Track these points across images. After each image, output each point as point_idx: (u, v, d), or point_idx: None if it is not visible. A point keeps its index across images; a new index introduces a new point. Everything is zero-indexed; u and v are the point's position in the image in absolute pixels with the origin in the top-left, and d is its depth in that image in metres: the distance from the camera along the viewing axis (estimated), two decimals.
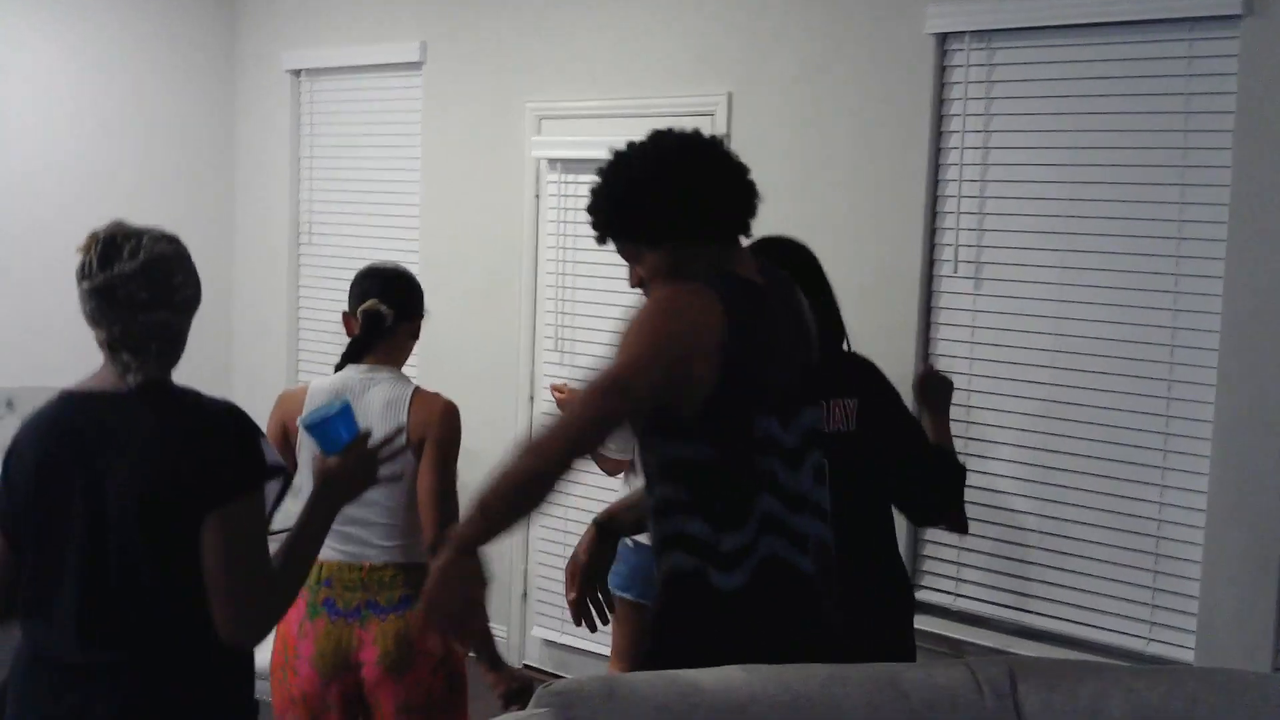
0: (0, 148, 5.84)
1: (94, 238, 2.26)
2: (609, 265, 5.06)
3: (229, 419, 2.29)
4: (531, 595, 5.45)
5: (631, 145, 2.56)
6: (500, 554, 5.48)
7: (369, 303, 3.28)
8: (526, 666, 5.48)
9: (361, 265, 3.45)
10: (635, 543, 3.61)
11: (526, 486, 2.32)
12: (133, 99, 6.22)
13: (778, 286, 2.54)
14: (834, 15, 4.49)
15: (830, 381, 2.91)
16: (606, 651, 4.92)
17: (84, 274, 2.24)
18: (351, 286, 3.33)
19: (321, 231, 6.23)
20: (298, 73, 6.25)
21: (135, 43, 6.21)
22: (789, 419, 2.45)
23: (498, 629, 5.50)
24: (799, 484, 2.45)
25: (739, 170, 2.52)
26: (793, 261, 3.00)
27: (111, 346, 2.26)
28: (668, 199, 2.47)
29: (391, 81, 5.88)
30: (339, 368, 3.31)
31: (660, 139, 2.54)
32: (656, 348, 2.35)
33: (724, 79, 4.75)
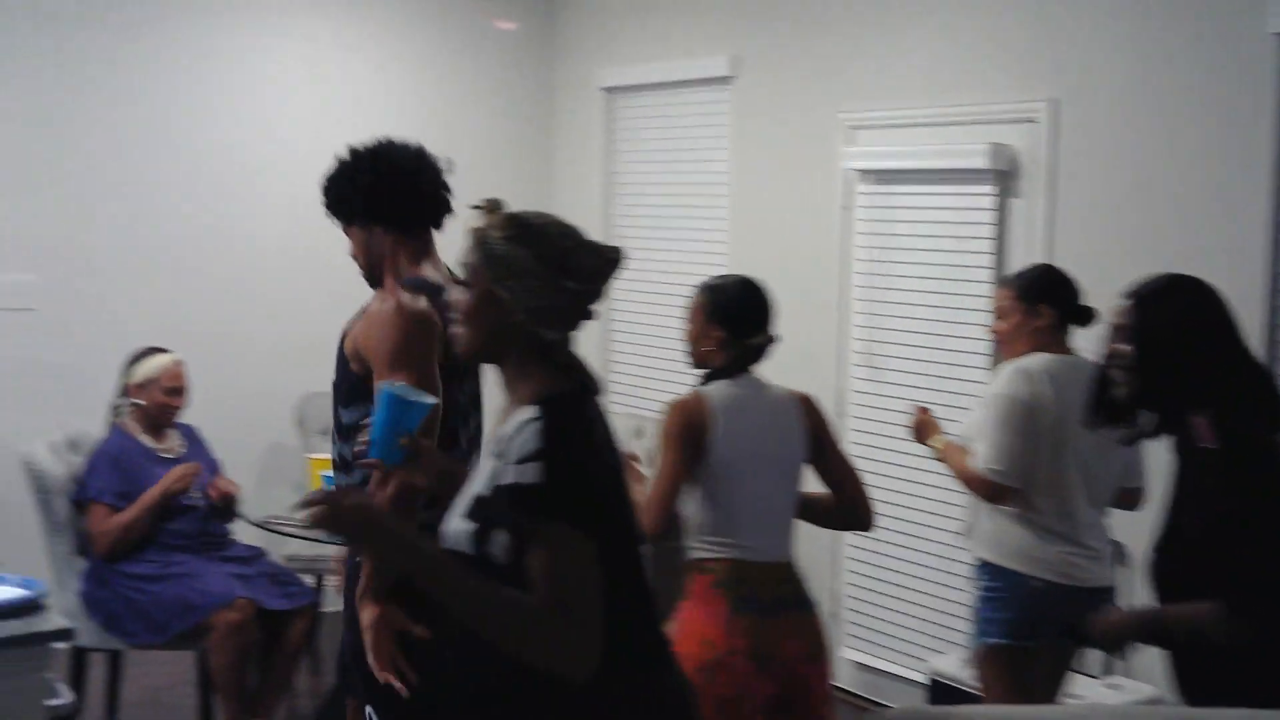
0: (321, 159, 6.09)
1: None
2: (924, 279, 4.94)
3: None
4: (842, 616, 5.35)
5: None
6: (808, 572, 5.40)
7: (768, 336, 3.40)
8: (835, 689, 5.38)
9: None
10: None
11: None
12: (454, 116, 6.45)
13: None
14: (1168, 15, 4.23)
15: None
16: (919, 677, 4.78)
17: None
18: (733, 302, 3.38)
19: (632, 245, 6.29)
20: (611, 90, 6.35)
21: (458, 63, 6.45)
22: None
23: None
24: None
25: (419, 171, 3.22)
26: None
27: None
28: (363, 185, 3.16)
29: (700, 96, 5.90)
30: (711, 379, 3.34)
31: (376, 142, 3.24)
32: None
33: (1047, 84, 4.54)
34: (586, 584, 2.05)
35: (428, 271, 3.12)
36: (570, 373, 2.19)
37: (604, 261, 2.21)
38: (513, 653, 2.04)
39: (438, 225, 3.23)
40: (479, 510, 2.12)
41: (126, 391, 4.61)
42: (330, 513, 2.03)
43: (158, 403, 4.59)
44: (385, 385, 2.46)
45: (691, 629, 3.14)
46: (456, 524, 2.15)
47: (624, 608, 2.12)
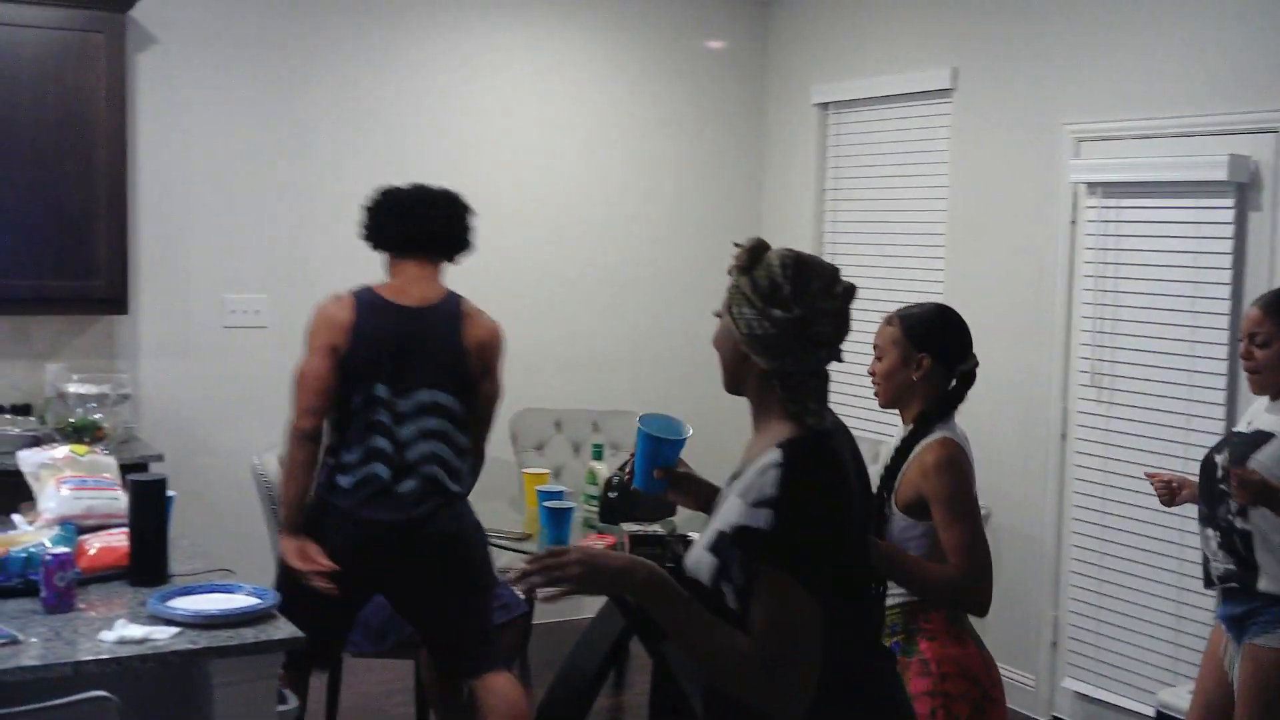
0: (543, 174, 6.23)
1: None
2: (1156, 296, 4.74)
3: None
4: (1062, 644, 5.16)
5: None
6: (1028, 599, 5.25)
7: (976, 360, 3.11)
8: (1055, 719, 5.20)
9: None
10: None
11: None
12: (668, 129, 6.48)
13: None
14: None
15: None
16: (1146, 709, 4.58)
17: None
18: (950, 333, 3.11)
19: (845, 262, 6.18)
20: (825, 105, 6.28)
21: (672, 81, 6.47)
22: (402, 391, 3.71)
23: (1024, 677, 5.25)
24: (402, 434, 3.72)
25: (410, 205, 3.86)
26: None
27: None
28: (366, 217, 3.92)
29: (919, 110, 5.78)
30: (927, 424, 3.06)
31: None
32: None
33: None
34: (800, 636, 2.06)
35: (392, 289, 3.81)
36: (808, 415, 2.18)
37: (831, 294, 2.18)
38: (726, 689, 2.10)
39: (430, 254, 3.88)
40: (720, 545, 2.12)
41: None
42: (555, 569, 2.08)
43: None
44: (640, 423, 2.49)
45: (953, 667, 3.03)
46: (699, 554, 2.17)
47: (844, 659, 2.14)
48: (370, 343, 3.74)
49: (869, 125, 6.09)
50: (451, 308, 3.86)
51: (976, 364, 3.10)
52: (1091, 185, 4.95)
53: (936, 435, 3.02)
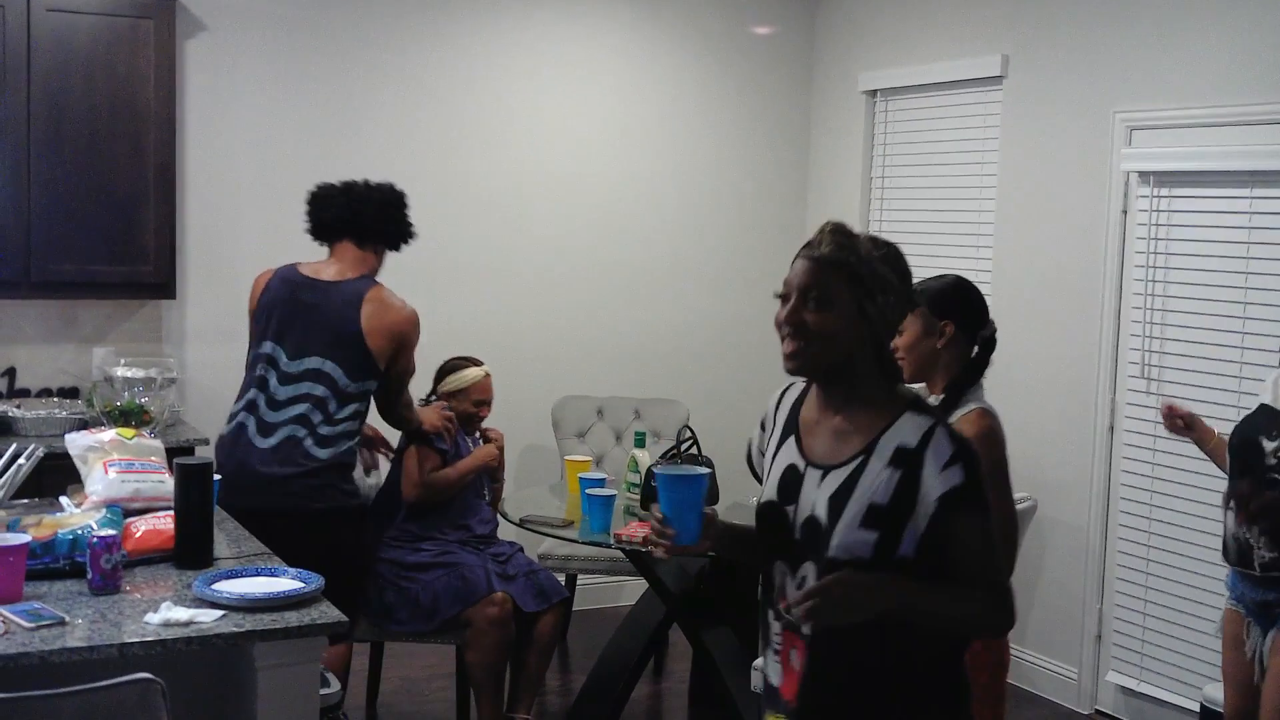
0: (586, 161, 6.22)
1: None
2: (1211, 287, 4.68)
3: None
4: (1107, 637, 5.11)
5: None
6: (1072, 591, 5.21)
7: (994, 325, 3.13)
8: (1099, 713, 5.15)
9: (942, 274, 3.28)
10: None
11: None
12: (715, 116, 6.45)
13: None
14: None
15: None
16: (1190, 704, 4.53)
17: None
18: (970, 301, 3.14)
19: None
20: (873, 93, 6.23)
21: (719, 67, 6.44)
22: (292, 354, 4.01)
23: (1067, 670, 5.21)
24: (279, 394, 4.00)
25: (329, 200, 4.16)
26: None
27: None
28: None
29: (969, 97, 5.73)
30: (958, 392, 3.07)
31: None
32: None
33: None
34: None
35: (313, 267, 4.13)
36: (899, 381, 2.33)
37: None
38: (964, 633, 2.32)
39: (360, 241, 4.14)
40: (880, 519, 2.19)
41: (438, 396, 4.76)
42: (823, 602, 2.12)
43: (466, 412, 4.74)
44: (659, 472, 2.37)
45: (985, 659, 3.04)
46: (856, 534, 2.19)
47: None
48: (265, 305, 4.09)
49: (918, 113, 6.04)
50: (360, 289, 4.04)
51: (995, 329, 3.12)
52: (1143, 174, 4.89)
53: (972, 407, 3.03)
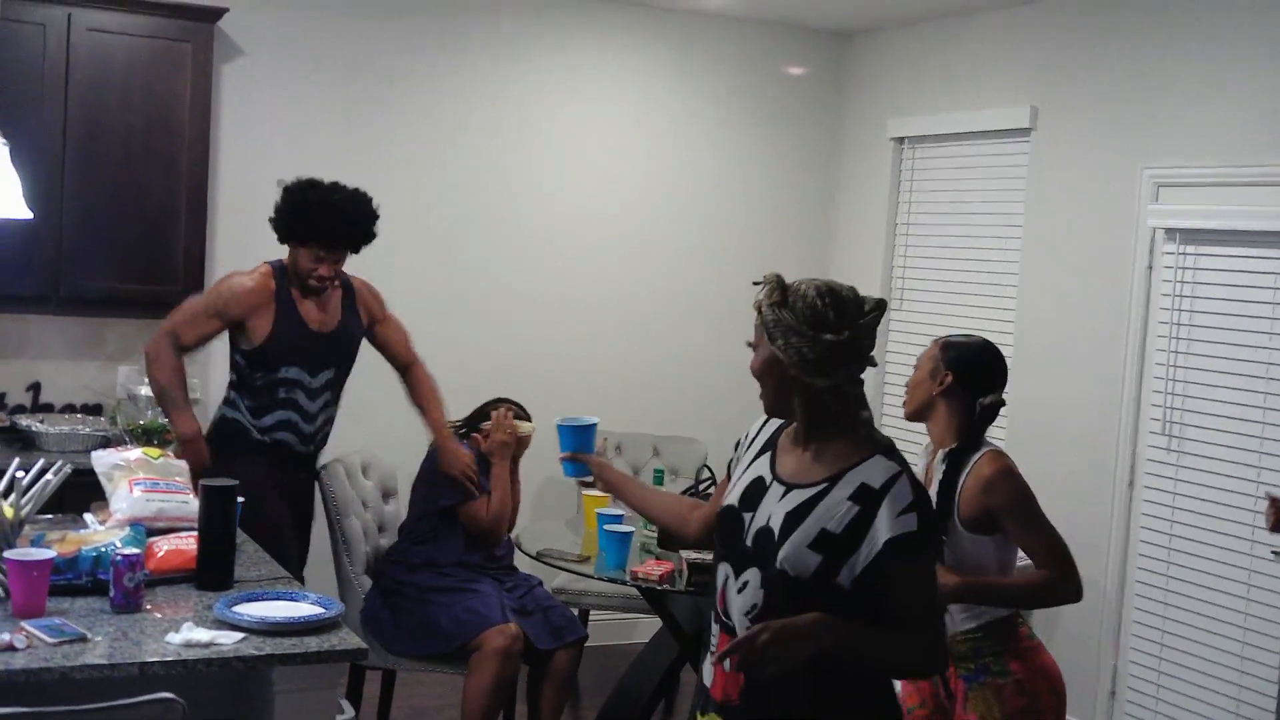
0: (613, 197, 6.26)
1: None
2: (1234, 346, 4.67)
3: None
4: (1121, 694, 5.08)
5: None
6: (1087, 646, 5.17)
7: (1002, 397, 3.20)
8: None
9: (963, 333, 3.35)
10: None
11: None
12: (742, 157, 6.49)
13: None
14: None
15: None
16: None
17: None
18: (981, 363, 3.21)
19: (913, 298, 6.19)
20: (901, 139, 6.26)
21: (748, 108, 6.47)
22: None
23: None
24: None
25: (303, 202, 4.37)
26: None
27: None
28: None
29: (996, 148, 5.75)
30: (969, 440, 3.17)
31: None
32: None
33: None
34: (940, 606, 2.79)
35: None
36: (863, 424, 2.41)
37: (863, 311, 2.38)
38: (891, 675, 2.45)
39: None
40: (828, 545, 2.30)
41: (479, 430, 4.75)
42: (751, 654, 2.22)
43: (496, 447, 4.72)
44: (559, 423, 2.96)
45: (1044, 683, 3.18)
46: (802, 554, 2.31)
47: None
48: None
49: (945, 161, 6.06)
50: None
51: (1001, 403, 3.20)
52: (1170, 231, 4.90)
53: (984, 450, 3.15)
